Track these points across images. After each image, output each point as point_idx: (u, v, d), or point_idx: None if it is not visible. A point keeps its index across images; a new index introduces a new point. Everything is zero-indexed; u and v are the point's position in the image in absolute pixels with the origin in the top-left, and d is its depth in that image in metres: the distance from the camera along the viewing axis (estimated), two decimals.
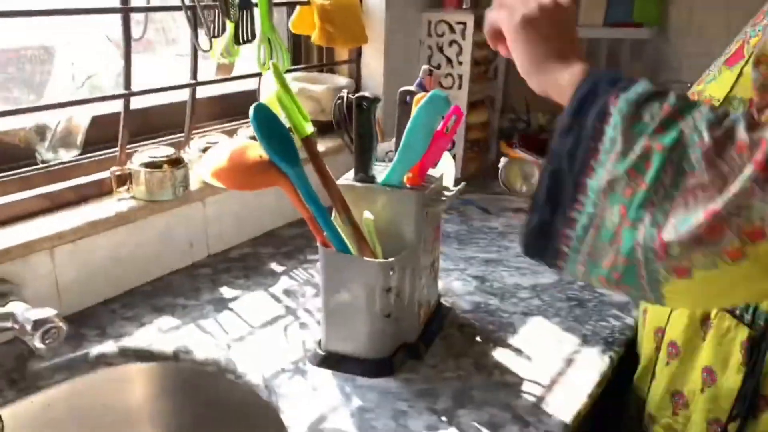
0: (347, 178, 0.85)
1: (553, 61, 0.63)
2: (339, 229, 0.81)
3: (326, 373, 0.83)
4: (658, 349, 0.85)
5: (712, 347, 0.76)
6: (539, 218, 0.60)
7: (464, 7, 1.55)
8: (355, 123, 0.81)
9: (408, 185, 0.83)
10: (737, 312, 0.74)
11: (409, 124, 0.78)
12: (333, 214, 0.81)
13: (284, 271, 1.12)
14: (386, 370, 0.83)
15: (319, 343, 0.87)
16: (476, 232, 1.31)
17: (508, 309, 1.01)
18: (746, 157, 0.48)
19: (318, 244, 0.82)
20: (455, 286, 1.08)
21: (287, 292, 1.04)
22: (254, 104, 0.73)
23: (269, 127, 0.74)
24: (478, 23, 1.54)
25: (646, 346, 0.88)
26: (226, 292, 1.04)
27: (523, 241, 0.63)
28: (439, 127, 0.81)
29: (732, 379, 0.74)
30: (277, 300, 1.02)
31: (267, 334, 0.92)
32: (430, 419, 0.75)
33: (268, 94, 0.78)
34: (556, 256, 0.60)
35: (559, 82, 0.62)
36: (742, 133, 0.50)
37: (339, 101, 0.89)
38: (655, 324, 0.86)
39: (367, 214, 0.81)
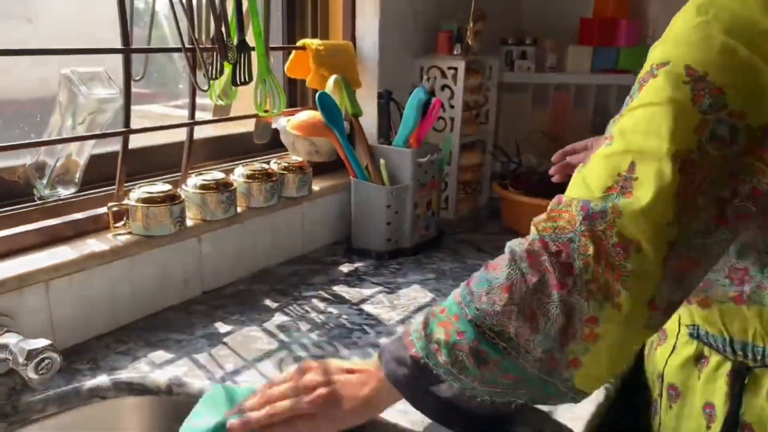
0: (374, 141, 1.45)
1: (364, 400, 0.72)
2: (363, 169, 1.37)
3: None
4: (660, 395, 0.85)
5: (705, 384, 0.77)
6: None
7: (455, 53, 1.59)
8: (378, 108, 1.46)
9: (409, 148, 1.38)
10: (718, 346, 0.76)
11: (405, 110, 1.38)
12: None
13: (278, 307, 1.12)
14: (389, 256, 1.37)
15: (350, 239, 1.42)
16: (471, 270, 1.31)
17: None
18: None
19: (351, 177, 1.38)
20: None
21: (281, 328, 1.04)
22: (319, 92, 1.28)
23: (327, 104, 1.28)
24: (470, 68, 1.59)
25: (650, 392, 0.89)
26: (220, 327, 1.04)
27: None
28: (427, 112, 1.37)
29: (722, 410, 0.75)
30: (272, 335, 1.02)
31: (261, 368, 0.91)
32: None
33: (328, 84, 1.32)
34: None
35: (380, 396, 0.72)
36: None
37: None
38: (652, 369, 0.87)
39: (382, 161, 1.35)
